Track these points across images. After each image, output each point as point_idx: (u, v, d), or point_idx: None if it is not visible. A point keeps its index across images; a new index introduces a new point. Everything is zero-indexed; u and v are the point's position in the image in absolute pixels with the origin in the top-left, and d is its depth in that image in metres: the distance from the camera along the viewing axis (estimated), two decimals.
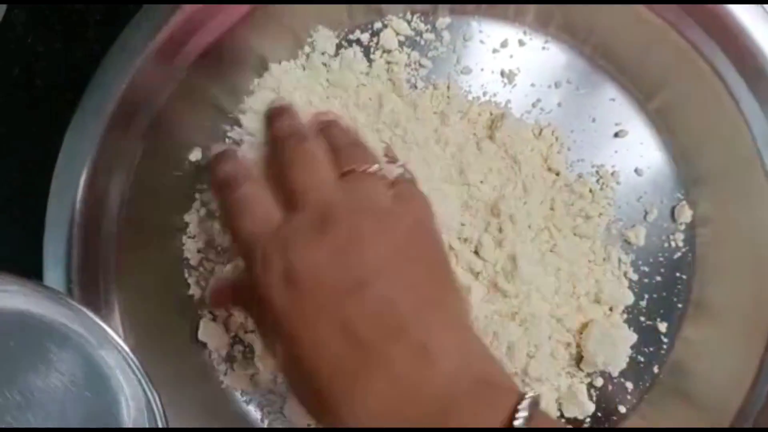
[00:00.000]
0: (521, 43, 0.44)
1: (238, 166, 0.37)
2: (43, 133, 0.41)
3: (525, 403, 0.27)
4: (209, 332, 0.42)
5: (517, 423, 0.26)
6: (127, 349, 0.28)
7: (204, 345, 0.42)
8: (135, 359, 0.27)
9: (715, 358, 0.41)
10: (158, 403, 0.27)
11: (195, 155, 0.41)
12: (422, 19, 0.43)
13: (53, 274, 0.36)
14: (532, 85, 0.44)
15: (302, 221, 0.31)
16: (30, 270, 0.37)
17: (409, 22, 0.43)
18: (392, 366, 0.28)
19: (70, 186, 0.37)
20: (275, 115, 0.39)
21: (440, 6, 0.43)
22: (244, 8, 0.38)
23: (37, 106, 0.42)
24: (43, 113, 0.42)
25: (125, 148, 0.38)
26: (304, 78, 0.42)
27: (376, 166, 0.34)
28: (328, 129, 0.37)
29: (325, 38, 0.42)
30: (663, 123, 0.43)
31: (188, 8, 0.37)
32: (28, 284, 0.28)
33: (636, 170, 0.43)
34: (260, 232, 0.32)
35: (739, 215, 0.41)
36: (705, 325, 0.42)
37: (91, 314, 0.28)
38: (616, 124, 0.43)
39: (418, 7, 0.43)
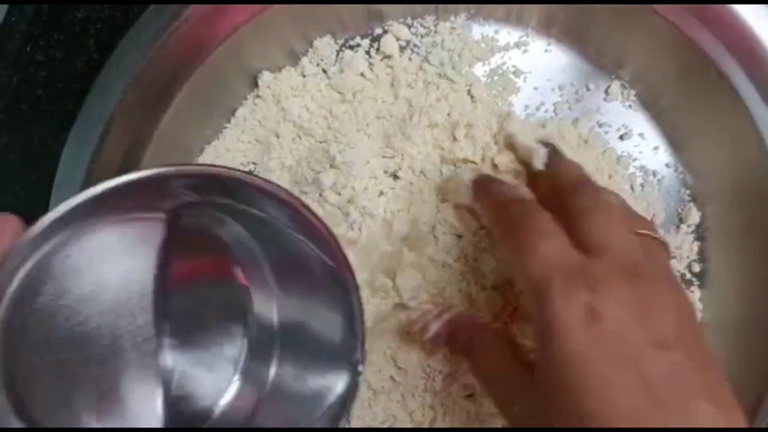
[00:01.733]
0: (523, 45, 0.43)
1: (523, 190, 0.37)
2: (44, 143, 0.41)
3: None
4: None
5: None
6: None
7: None
8: None
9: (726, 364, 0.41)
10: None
11: None
12: (422, 23, 0.43)
13: None
14: (535, 88, 0.43)
15: (609, 265, 0.31)
16: None
17: (409, 26, 0.43)
18: (694, 420, 0.28)
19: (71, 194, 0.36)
20: (556, 166, 0.38)
21: (440, 8, 0.42)
22: (245, 15, 0.38)
23: (38, 116, 0.42)
24: (44, 123, 0.42)
25: (127, 155, 0.37)
26: (302, 84, 0.42)
27: (662, 234, 0.35)
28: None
29: (325, 45, 0.42)
30: (668, 124, 0.43)
31: (190, 13, 0.37)
32: None
33: (642, 172, 0.43)
34: (560, 261, 0.32)
35: (748, 217, 0.41)
36: (715, 330, 0.42)
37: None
38: (622, 126, 0.43)
39: (418, 10, 0.42)
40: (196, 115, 0.41)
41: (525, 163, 0.40)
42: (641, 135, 0.43)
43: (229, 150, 0.42)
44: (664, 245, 0.35)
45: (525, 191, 0.37)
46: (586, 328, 0.30)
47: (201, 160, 0.42)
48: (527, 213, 0.34)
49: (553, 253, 0.32)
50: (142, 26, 0.37)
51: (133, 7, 0.41)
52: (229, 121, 0.43)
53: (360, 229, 0.40)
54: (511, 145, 0.41)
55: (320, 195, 0.40)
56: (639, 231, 0.34)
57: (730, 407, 0.29)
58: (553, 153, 0.39)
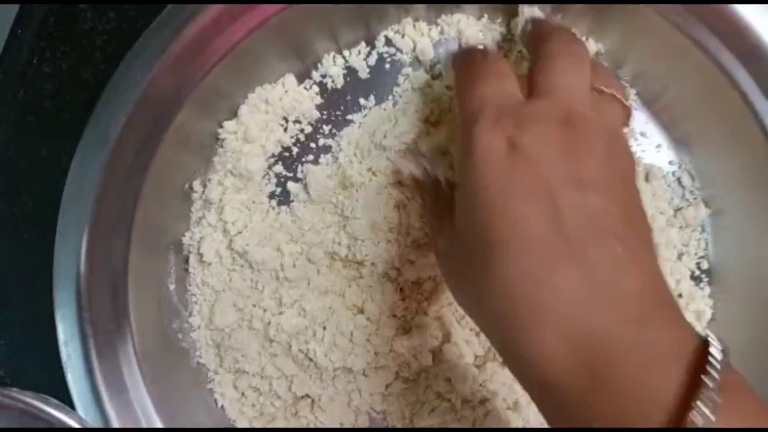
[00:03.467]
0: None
1: (487, 50, 0.37)
2: (52, 155, 0.42)
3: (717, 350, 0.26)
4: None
5: (713, 357, 0.26)
6: None
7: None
8: None
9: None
10: None
11: (196, 185, 0.42)
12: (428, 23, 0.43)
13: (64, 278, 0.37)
14: None
15: (546, 108, 0.31)
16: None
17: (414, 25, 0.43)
18: (593, 267, 0.28)
19: (80, 207, 0.37)
20: (540, 24, 0.38)
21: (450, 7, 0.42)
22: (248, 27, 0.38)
23: (46, 127, 0.42)
24: (52, 134, 0.42)
25: (135, 164, 0.38)
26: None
27: (630, 101, 0.35)
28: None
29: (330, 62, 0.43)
30: (669, 123, 0.43)
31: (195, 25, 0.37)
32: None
33: (646, 170, 0.43)
34: (496, 99, 0.32)
35: (755, 212, 0.41)
36: (727, 328, 0.42)
37: None
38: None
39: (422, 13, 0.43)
40: (203, 124, 0.41)
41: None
42: (643, 134, 0.43)
43: None
44: (624, 108, 0.35)
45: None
46: (504, 159, 0.30)
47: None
48: (485, 56, 0.35)
49: (493, 91, 0.33)
50: (149, 37, 0.37)
51: (140, 18, 0.41)
52: None
53: None
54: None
55: None
56: (599, 87, 0.34)
57: (645, 265, 0.29)
58: (540, 20, 0.39)
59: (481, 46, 0.37)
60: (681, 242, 0.43)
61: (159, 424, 0.38)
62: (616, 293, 0.28)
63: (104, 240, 0.37)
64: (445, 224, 0.35)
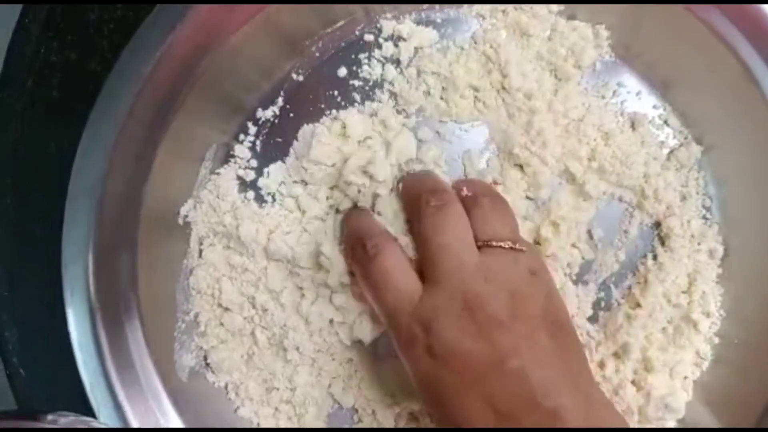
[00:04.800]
0: None
1: (374, 227, 0.38)
2: (61, 144, 0.42)
3: None
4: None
5: None
6: None
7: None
8: None
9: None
10: None
11: (186, 209, 0.42)
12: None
13: (72, 268, 0.37)
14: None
15: (443, 301, 0.35)
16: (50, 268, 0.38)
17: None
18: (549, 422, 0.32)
19: (88, 193, 0.37)
20: (416, 175, 0.40)
21: None
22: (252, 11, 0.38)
23: (54, 117, 0.42)
24: (60, 124, 0.42)
25: (140, 153, 0.38)
26: None
27: (509, 243, 0.36)
28: (470, 186, 0.39)
29: None
30: (644, 69, 0.43)
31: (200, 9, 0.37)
32: None
33: (633, 119, 0.43)
34: (402, 307, 0.35)
35: (747, 144, 0.41)
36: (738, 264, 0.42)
37: None
38: (599, 81, 0.43)
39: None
40: (209, 111, 0.41)
41: None
42: (620, 84, 0.43)
43: None
44: (510, 250, 0.36)
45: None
46: (433, 366, 0.34)
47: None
48: (372, 259, 0.36)
49: (397, 298, 0.36)
50: (150, 26, 0.37)
51: (147, 7, 0.41)
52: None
53: None
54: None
55: None
56: (482, 241, 0.36)
57: (561, 408, 0.32)
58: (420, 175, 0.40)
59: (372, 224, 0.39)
60: (680, 184, 0.43)
61: (168, 401, 0.38)
62: None
63: (112, 225, 0.38)
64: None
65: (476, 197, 0.38)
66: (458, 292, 0.34)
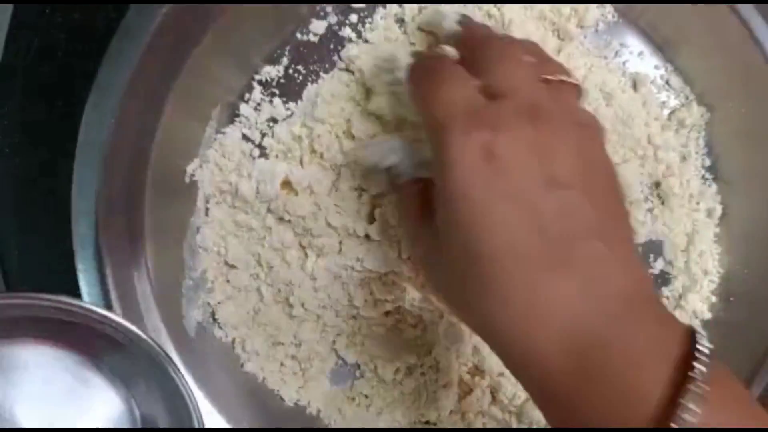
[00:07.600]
0: None
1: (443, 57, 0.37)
2: (68, 104, 0.42)
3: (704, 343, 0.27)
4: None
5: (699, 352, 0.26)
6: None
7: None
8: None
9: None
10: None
11: (192, 167, 0.42)
12: None
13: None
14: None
15: (510, 108, 0.32)
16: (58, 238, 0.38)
17: None
18: (577, 268, 0.29)
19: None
20: (468, 26, 0.38)
21: None
22: None
23: (60, 77, 0.43)
24: (66, 84, 0.42)
25: (146, 114, 0.38)
26: None
27: (574, 79, 0.35)
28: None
29: None
30: (648, 29, 0.43)
31: None
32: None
33: (635, 79, 0.43)
34: (462, 105, 0.32)
35: (747, 104, 0.41)
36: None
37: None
38: (603, 41, 0.43)
39: None
40: (216, 71, 0.41)
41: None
42: (623, 44, 0.44)
43: None
44: (575, 87, 0.35)
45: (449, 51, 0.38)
46: (482, 167, 0.30)
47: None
48: (438, 63, 0.35)
49: (457, 96, 0.32)
50: None
51: None
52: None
53: None
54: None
55: None
56: (547, 77, 0.34)
57: (625, 260, 0.30)
58: (465, 18, 0.39)
59: (435, 53, 0.38)
60: (680, 144, 0.43)
61: (176, 356, 0.39)
62: (601, 292, 0.29)
63: (121, 180, 0.38)
64: (420, 231, 0.36)
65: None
66: (526, 104, 0.32)
